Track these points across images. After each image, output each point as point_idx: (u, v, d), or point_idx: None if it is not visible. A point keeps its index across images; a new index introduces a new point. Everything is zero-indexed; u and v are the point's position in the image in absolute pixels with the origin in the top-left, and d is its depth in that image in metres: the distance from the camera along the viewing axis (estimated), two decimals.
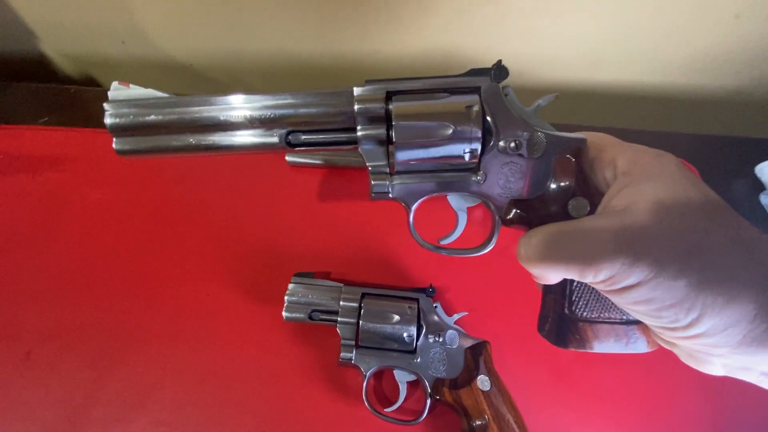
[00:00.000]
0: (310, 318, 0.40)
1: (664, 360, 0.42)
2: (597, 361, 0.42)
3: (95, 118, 0.58)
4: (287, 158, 0.53)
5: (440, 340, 0.39)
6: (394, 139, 0.29)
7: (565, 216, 0.30)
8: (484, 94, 0.30)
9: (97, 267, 0.46)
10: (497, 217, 0.32)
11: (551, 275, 0.28)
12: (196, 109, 0.30)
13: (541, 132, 0.30)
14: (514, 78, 0.32)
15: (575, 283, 0.31)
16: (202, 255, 0.47)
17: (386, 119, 0.30)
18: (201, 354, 0.42)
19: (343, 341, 0.39)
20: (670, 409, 0.40)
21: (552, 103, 0.33)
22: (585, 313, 0.31)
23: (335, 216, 0.50)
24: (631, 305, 0.26)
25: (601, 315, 0.30)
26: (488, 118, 0.30)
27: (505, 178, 0.31)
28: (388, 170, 0.31)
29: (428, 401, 0.38)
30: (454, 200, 0.34)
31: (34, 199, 0.51)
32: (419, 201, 0.32)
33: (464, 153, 0.30)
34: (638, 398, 0.41)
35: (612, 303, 0.30)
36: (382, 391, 0.41)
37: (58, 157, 0.54)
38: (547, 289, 0.32)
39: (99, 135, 0.56)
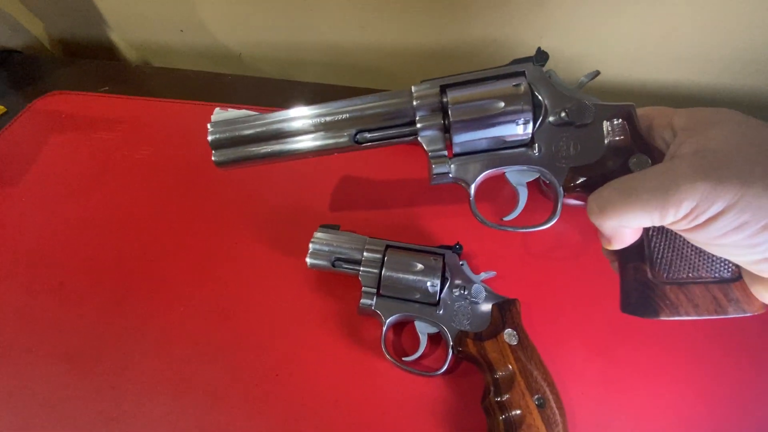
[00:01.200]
0: (333, 266, 0.40)
1: (702, 329, 0.39)
2: (632, 333, 0.39)
3: (149, 91, 0.62)
4: None
5: (465, 293, 0.37)
6: (451, 122, 0.32)
7: (628, 173, 0.30)
8: (530, 76, 0.33)
9: (134, 215, 0.48)
10: (559, 187, 0.33)
11: (629, 222, 0.27)
12: (280, 121, 0.36)
13: (587, 101, 0.32)
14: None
15: (654, 243, 0.30)
16: (233, 209, 0.48)
17: (442, 109, 0.33)
18: (224, 297, 0.42)
19: (364, 289, 0.38)
20: (709, 381, 0.36)
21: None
22: (671, 274, 0.29)
23: (365, 182, 0.50)
24: (720, 239, 0.24)
25: (690, 275, 0.29)
26: (536, 94, 0.32)
27: (560, 148, 0.32)
28: (446, 153, 0.34)
29: (450, 353, 0.36)
30: (513, 176, 0.35)
31: (87, 154, 0.54)
32: (478, 179, 0.34)
33: (517, 128, 0.32)
34: (674, 369, 0.37)
35: (699, 260, 0.28)
36: (401, 345, 0.39)
37: (111, 120, 0.58)
38: (624, 259, 0.31)
39: (150, 103, 0.60)
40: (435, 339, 0.39)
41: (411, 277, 0.37)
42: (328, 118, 0.35)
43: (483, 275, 0.39)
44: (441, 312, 0.37)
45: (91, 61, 0.71)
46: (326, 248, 0.40)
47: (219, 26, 0.72)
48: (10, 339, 0.40)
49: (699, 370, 0.37)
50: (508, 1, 0.58)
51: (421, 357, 0.37)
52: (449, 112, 0.32)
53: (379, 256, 0.39)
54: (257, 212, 0.48)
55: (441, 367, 0.36)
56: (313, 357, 0.38)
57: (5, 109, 0.60)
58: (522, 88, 0.32)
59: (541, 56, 0.33)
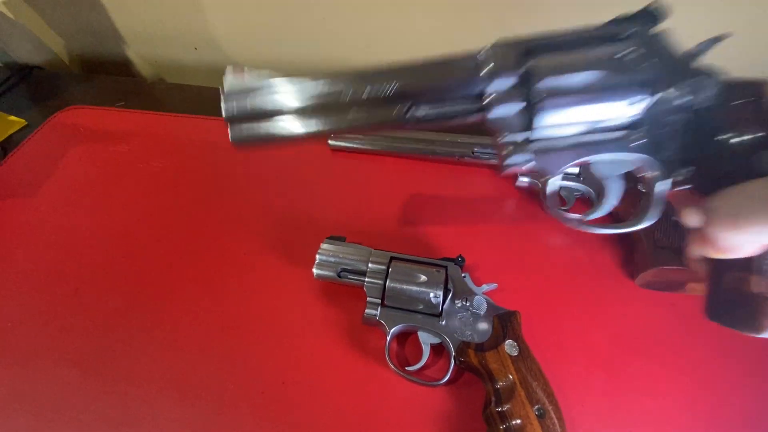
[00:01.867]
0: (339, 276, 0.41)
1: (705, 343, 0.39)
2: (632, 345, 0.40)
3: (162, 106, 0.65)
4: (329, 142, 0.56)
5: (467, 304, 0.38)
6: (536, 100, 0.25)
7: (752, 173, 0.24)
8: (641, 39, 0.25)
9: (147, 225, 0.50)
10: (669, 180, 0.27)
11: (756, 238, 0.23)
12: (308, 90, 0.28)
13: (710, 74, 0.25)
14: None
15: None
16: (243, 220, 0.50)
17: (523, 82, 0.26)
18: (232, 305, 0.43)
19: (369, 299, 0.39)
20: (710, 395, 0.37)
21: None
22: None
23: (371, 195, 0.52)
24: None
25: None
26: (649, 65, 0.25)
27: (672, 133, 0.25)
28: (525, 137, 0.27)
29: (452, 363, 0.36)
30: (605, 167, 0.29)
31: (103, 166, 0.56)
32: (562, 169, 0.27)
33: (626, 108, 0.25)
34: (674, 382, 0.38)
35: None
36: (404, 355, 0.40)
37: (127, 133, 0.61)
38: (724, 266, 0.27)
39: (163, 118, 0.63)
40: (437, 349, 0.39)
41: (414, 288, 0.38)
42: (372, 88, 0.27)
43: (485, 287, 0.40)
44: (443, 323, 0.38)
45: (108, 77, 0.74)
46: (332, 259, 0.42)
47: (231, 44, 0.75)
48: (24, 343, 0.41)
49: (700, 384, 0.38)
50: (510, 21, 0.60)
51: (423, 367, 0.38)
52: (533, 89, 0.25)
53: (383, 267, 0.40)
54: (265, 223, 0.50)
55: (443, 377, 0.37)
56: (318, 365, 0.39)
57: (26, 123, 0.63)
58: (632, 58, 0.24)
59: (655, 15, 0.25)
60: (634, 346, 0.40)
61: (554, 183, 0.45)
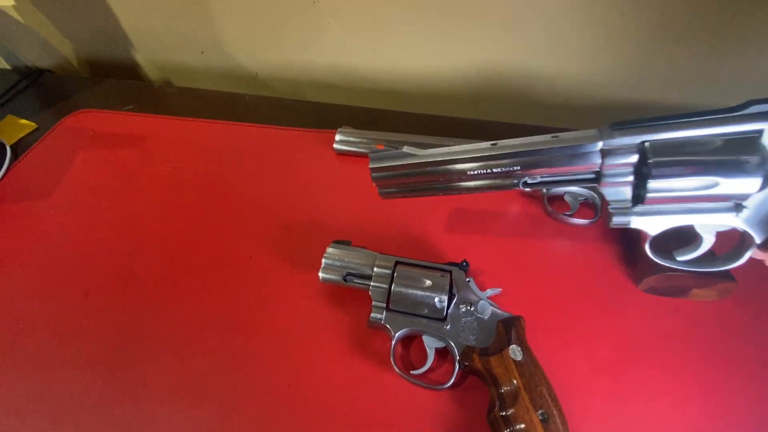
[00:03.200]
0: (344, 280, 0.42)
1: (709, 349, 0.39)
2: (635, 350, 0.40)
3: (171, 110, 0.66)
4: (335, 146, 0.57)
5: (472, 309, 0.39)
6: (648, 180, 0.28)
7: None
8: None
9: (156, 229, 0.51)
10: (754, 246, 0.30)
11: None
12: (440, 163, 0.34)
13: None
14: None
15: None
16: (250, 224, 0.51)
17: (637, 169, 0.29)
18: (240, 309, 0.44)
19: (374, 303, 0.40)
20: (715, 401, 0.37)
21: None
22: None
23: (375, 200, 0.52)
24: None
25: None
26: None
27: None
28: (630, 205, 0.31)
29: (456, 367, 0.37)
30: (704, 226, 0.32)
31: (112, 169, 0.57)
32: (659, 231, 0.31)
33: (730, 198, 0.28)
34: (679, 388, 0.38)
35: None
36: (409, 358, 0.40)
37: (135, 137, 0.61)
38: None
39: (172, 122, 0.63)
40: (442, 353, 0.40)
41: (419, 292, 0.39)
42: (495, 169, 0.33)
43: (489, 292, 0.41)
44: (448, 327, 0.38)
45: (116, 80, 0.75)
46: (338, 263, 0.42)
47: (237, 48, 0.76)
48: (36, 346, 0.42)
49: (704, 389, 0.38)
50: (518, 26, 0.61)
51: (428, 370, 0.38)
52: (647, 185, 0.29)
53: (388, 271, 0.41)
54: (271, 227, 0.50)
55: (448, 381, 0.37)
56: (324, 368, 0.40)
57: (36, 126, 0.64)
58: (752, 164, 0.26)
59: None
60: (638, 351, 0.40)
61: (561, 189, 0.46)
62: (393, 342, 0.38)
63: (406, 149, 0.35)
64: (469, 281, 0.41)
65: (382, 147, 0.36)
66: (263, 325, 0.43)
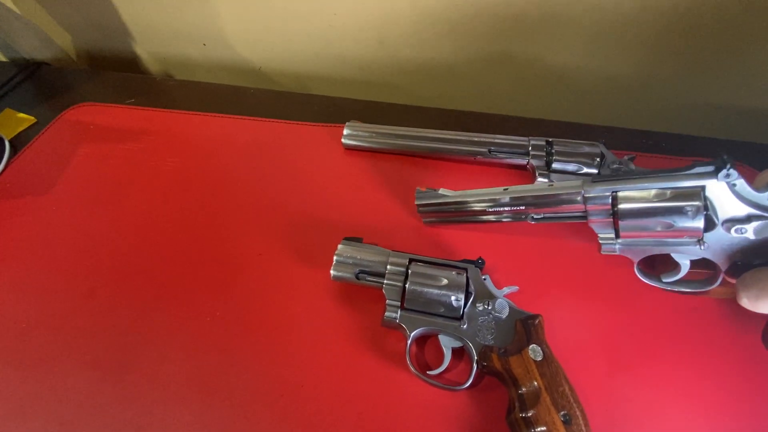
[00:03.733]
0: (357, 278, 0.41)
1: (733, 351, 0.39)
2: (657, 350, 0.39)
3: (173, 104, 0.64)
4: (343, 141, 0.55)
5: (489, 308, 0.38)
6: (621, 219, 0.37)
7: None
8: (710, 193, 0.34)
9: (161, 225, 0.49)
10: (722, 273, 0.37)
11: None
12: (469, 204, 0.44)
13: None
14: None
15: None
16: (257, 220, 0.49)
17: (613, 211, 0.37)
18: (249, 307, 0.42)
19: (388, 302, 0.39)
20: (740, 403, 0.36)
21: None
22: None
23: (385, 195, 0.51)
24: None
25: None
26: (709, 213, 0.35)
27: (729, 247, 0.35)
28: (613, 236, 0.39)
29: (474, 368, 0.36)
30: (679, 256, 0.38)
31: (114, 164, 0.56)
32: (642, 257, 0.39)
33: (686, 235, 0.36)
34: (702, 389, 0.37)
35: None
36: (425, 358, 0.39)
37: (137, 131, 0.60)
38: None
39: (175, 115, 0.62)
40: (458, 353, 0.39)
41: (435, 291, 0.38)
42: (506, 207, 0.42)
43: (506, 290, 0.40)
44: (465, 327, 0.37)
45: (116, 73, 0.73)
46: (350, 261, 0.41)
47: (240, 41, 0.74)
48: (40, 345, 0.41)
49: (726, 390, 0.37)
50: (522, 18, 0.60)
51: (444, 371, 0.37)
52: (619, 222, 0.37)
53: (402, 269, 0.40)
54: (279, 222, 0.49)
55: (465, 382, 0.36)
56: (337, 368, 0.39)
57: (35, 120, 0.62)
58: (694, 210, 0.34)
59: (725, 166, 0.34)
60: (657, 349, 0.39)
61: None
62: (408, 341, 0.37)
63: (441, 191, 0.44)
64: (485, 279, 0.40)
65: (424, 189, 0.45)
66: (273, 323, 0.41)
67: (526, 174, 0.52)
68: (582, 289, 0.43)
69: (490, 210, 0.43)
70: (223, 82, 0.71)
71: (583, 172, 0.48)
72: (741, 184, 0.34)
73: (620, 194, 0.36)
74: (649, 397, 0.37)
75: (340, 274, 0.41)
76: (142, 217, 0.50)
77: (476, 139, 0.52)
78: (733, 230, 0.34)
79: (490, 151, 0.51)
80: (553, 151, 0.49)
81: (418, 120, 0.61)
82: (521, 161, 0.51)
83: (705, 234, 0.35)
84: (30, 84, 0.70)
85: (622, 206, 0.36)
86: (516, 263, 0.45)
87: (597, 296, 0.43)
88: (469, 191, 0.43)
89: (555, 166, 0.49)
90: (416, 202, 0.45)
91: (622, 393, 0.37)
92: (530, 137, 0.51)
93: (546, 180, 0.48)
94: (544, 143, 0.50)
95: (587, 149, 0.48)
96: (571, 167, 0.48)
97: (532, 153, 0.50)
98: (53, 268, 0.46)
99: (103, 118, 0.62)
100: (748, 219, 0.34)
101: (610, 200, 0.37)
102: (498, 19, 0.60)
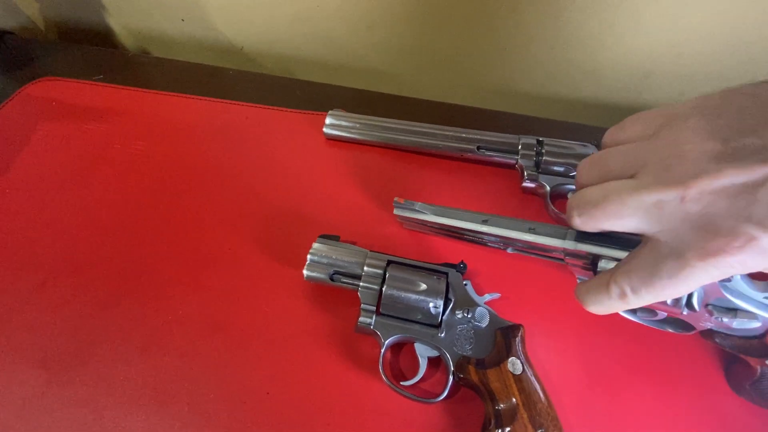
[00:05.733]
0: (332, 279, 0.38)
1: (710, 363, 0.38)
2: (638, 365, 0.38)
3: (146, 82, 0.60)
4: (325, 130, 0.52)
5: (469, 316, 0.36)
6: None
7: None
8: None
9: (125, 213, 0.46)
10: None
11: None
12: (450, 227, 0.40)
13: None
14: None
15: None
16: (229, 212, 0.46)
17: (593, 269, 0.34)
18: (215, 306, 0.40)
19: (363, 306, 0.36)
20: (717, 418, 0.35)
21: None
22: None
23: (366, 190, 0.49)
24: None
25: None
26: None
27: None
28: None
29: (450, 379, 0.34)
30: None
31: (77, 145, 0.52)
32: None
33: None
34: (680, 405, 0.36)
35: None
36: (399, 366, 0.37)
37: (104, 110, 0.56)
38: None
39: (145, 95, 0.58)
40: (435, 361, 0.37)
41: (413, 296, 0.36)
42: (484, 237, 0.40)
43: (487, 297, 0.38)
44: (443, 335, 0.35)
45: (87, 47, 0.68)
46: (325, 260, 0.39)
47: (222, 17, 0.70)
48: None
49: (705, 406, 0.36)
50: (520, 9, 0.57)
51: (419, 380, 0.35)
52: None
53: (380, 271, 0.37)
54: (252, 216, 0.46)
55: (440, 393, 0.34)
56: (307, 374, 0.37)
57: None
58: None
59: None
60: (637, 364, 0.38)
61: (564, 187, 0.43)
62: (382, 349, 0.35)
63: (418, 206, 0.41)
64: (466, 284, 0.38)
65: (402, 200, 0.42)
66: (240, 324, 0.39)
67: (514, 173, 0.50)
68: (565, 296, 0.41)
69: (468, 236, 0.41)
70: (203, 60, 0.67)
71: (572, 174, 0.46)
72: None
73: (602, 261, 0.33)
74: (629, 413, 0.36)
75: (313, 274, 0.38)
76: (104, 205, 0.46)
77: (465, 135, 0.49)
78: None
79: (478, 149, 0.49)
80: (543, 151, 0.47)
81: (406, 111, 0.58)
82: (510, 160, 0.49)
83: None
84: None
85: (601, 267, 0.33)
86: (498, 267, 0.43)
87: (578, 306, 0.41)
88: (448, 211, 0.40)
89: (544, 167, 0.46)
90: (394, 212, 0.42)
91: (601, 407, 0.36)
92: (520, 135, 0.49)
93: (534, 183, 0.46)
94: (534, 142, 0.48)
95: (578, 150, 0.46)
96: (560, 168, 0.46)
97: (521, 152, 0.48)
98: (2, 257, 0.42)
99: (67, 94, 0.57)
100: None
101: (590, 259, 0.34)
102: (493, 8, 0.57)
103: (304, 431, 0.34)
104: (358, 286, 0.37)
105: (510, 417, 0.31)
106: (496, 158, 0.49)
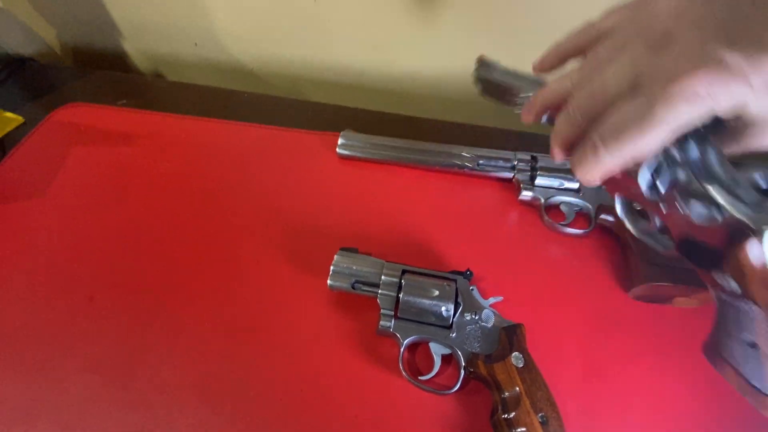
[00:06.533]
0: (353, 288, 0.43)
1: (700, 373, 0.43)
2: (629, 356, 0.43)
3: (164, 106, 0.64)
4: (338, 151, 0.57)
5: (476, 317, 0.41)
6: None
7: None
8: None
9: (157, 230, 0.50)
10: None
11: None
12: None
13: None
14: None
15: None
16: (254, 228, 0.51)
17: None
18: (249, 313, 0.44)
19: (382, 311, 0.41)
20: (708, 407, 0.41)
21: None
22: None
23: (378, 205, 0.54)
24: None
25: None
26: None
27: None
28: None
29: (462, 373, 0.39)
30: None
31: (107, 168, 0.56)
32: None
33: None
34: (672, 394, 0.41)
35: None
36: (416, 364, 0.42)
37: (131, 134, 0.60)
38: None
39: (167, 119, 0.62)
40: (447, 358, 0.42)
41: (427, 301, 0.41)
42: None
43: (491, 300, 0.43)
44: (454, 335, 0.40)
45: (104, 72, 0.72)
46: (346, 271, 0.43)
47: (233, 40, 0.74)
48: (41, 351, 0.41)
49: (689, 390, 0.41)
50: (521, 30, 0.61)
51: (434, 376, 0.40)
52: None
53: (396, 280, 0.42)
54: (274, 230, 0.51)
55: (453, 386, 0.39)
56: (334, 373, 0.41)
57: (23, 120, 0.61)
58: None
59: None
60: (627, 354, 0.43)
61: (557, 199, 0.49)
62: (402, 349, 0.40)
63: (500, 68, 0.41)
64: (472, 290, 0.43)
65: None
66: (273, 329, 0.43)
67: (511, 186, 0.55)
68: (561, 298, 0.47)
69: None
70: (216, 83, 0.71)
71: (564, 187, 0.51)
72: None
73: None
74: (619, 399, 0.41)
75: (337, 284, 0.43)
76: (137, 223, 0.51)
77: (466, 153, 0.54)
78: None
79: (478, 165, 0.54)
80: (537, 166, 0.52)
81: (411, 129, 0.63)
82: (507, 174, 0.54)
83: None
84: (14, 81, 0.68)
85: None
86: (500, 273, 0.48)
87: (574, 305, 0.46)
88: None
89: (538, 181, 0.52)
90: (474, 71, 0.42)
91: (595, 395, 0.41)
92: (516, 152, 0.54)
93: (530, 195, 0.52)
94: (529, 158, 0.53)
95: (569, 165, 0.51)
96: (554, 183, 0.51)
97: (517, 167, 0.53)
98: (50, 274, 0.46)
99: (93, 120, 0.61)
100: None
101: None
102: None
103: (335, 423, 0.39)
104: (377, 293, 0.42)
105: (514, 404, 0.36)
106: (494, 173, 0.54)
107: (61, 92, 0.66)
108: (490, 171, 0.54)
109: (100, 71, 0.72)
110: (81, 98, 0.64)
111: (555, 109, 0.32)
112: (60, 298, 0.45)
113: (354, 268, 0.43)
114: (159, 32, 0.75)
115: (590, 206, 0.50)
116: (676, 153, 0.27)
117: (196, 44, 0.76)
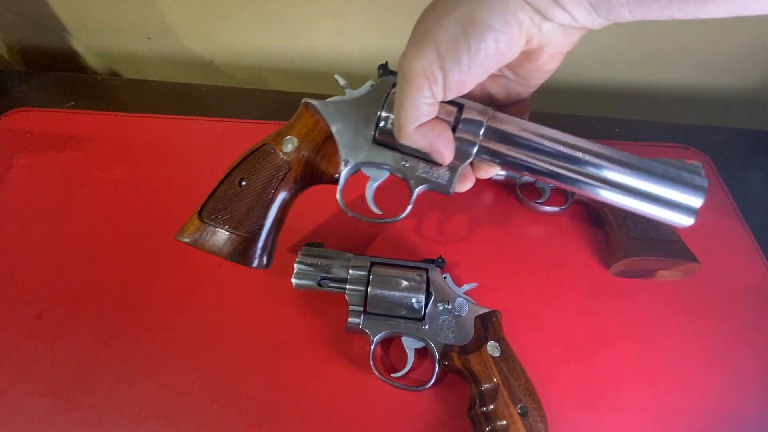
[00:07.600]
0: (319, 285, 0.40)
1: (684, 346, 0.41)
2: (609, 339, 0.41)
3: (118, 105, 0.60)
4: None
5: (449, 307, 0.38)
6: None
7: None
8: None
9: (109, 238, 0.47)
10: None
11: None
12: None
13: None
14: None
15: None
16: None
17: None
18: (209, 321, 0.42)
19: (351, 307, 0.39)
20: (688, 384, 0.39)
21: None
22: None
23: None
24: None
25: None
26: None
27: None
28: None
29: (436, 367, 0.37)
30: None
31: (56, 175, 0.53)
32: None
33: None
34: (651, 372, 0.40)
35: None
36: (389, 360, 0.40)
37: (79, 138, 0.56)
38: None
39: (119, 119, 0.58)
40: (421, 352, 0.40)
41: (397, 293, 0.38)
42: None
43: (465, 287, 0.41)
44: (426, 327, 0.38)
45: (54, 74, 0.67)
46: (311, 268, 0.41)
47: (189, 32, 0.70)
48: None
49: (672, 365, 0.40)
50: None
51: (409, 371, 0.38)
52: None
53: (364, 273, 0.40)
54: None
55: (428, 381, 0.37)
56: (304, 376, 0.39)
57: None
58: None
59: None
60: (608, 332, 0.42)
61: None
62: (372, 346, 0.38)
63: None
64: (445, 278, 0.40)
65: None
66: (236, 336, 0.41)
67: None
68: (539, 279, 0.45)
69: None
70: (173, 78, 0.67)
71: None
72: None
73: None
74: (599, 379, 0.39)
75: (302, 282, 0.40)
76: (89, 232, 0.47)
77: None
78: None
79: None
80: None
81: None
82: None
83: None
84: None
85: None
86: (475, 257, 0.45)
87: (553, 285, 0.44)
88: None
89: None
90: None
91: (576, 378, 0.39)
92: None
93: (504, 176, 0.49)
94: None
95: None
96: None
97: None
98: None
99: (41, 125, 0.58)
100: None
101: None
102: None
103: (307, 428, 0.37)
104: (345, 289, 0.39)
105: (492, 396, 0.34)
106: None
107: (8, 97, 0.62)
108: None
109: (53, 73, 0.67)
110: (32, 102, 0.60)
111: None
112: (5, 317, 0.42)
113: (320, 264, 0.41)
114: (108, 27, 0.70)
115: None
116: None
117: (149, 38, 0.71)
